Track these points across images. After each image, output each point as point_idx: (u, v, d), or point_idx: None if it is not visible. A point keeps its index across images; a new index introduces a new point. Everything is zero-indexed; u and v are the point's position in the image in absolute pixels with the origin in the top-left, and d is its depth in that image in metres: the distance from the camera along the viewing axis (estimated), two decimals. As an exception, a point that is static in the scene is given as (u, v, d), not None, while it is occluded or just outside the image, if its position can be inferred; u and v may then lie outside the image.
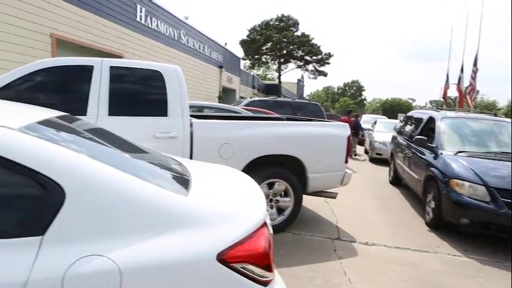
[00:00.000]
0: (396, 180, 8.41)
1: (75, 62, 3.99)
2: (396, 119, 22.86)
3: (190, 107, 4.26)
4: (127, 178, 1.47)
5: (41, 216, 1.31)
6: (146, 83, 4.10)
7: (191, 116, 4.26)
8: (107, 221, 1.37)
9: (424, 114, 7.60)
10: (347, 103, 79.81)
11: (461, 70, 18.32)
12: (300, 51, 42.39)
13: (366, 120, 20.13)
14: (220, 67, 23.41)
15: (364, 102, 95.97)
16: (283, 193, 4.56)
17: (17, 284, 1.21)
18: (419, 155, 6.32)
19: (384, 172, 9.98)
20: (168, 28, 16.28)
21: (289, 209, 4.59)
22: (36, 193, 1.34)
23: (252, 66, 46.30)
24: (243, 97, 23.42)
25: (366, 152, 14.67)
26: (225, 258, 1.41)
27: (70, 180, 1.36)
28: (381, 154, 12.16)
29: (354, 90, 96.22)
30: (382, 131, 13.49)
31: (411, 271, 3.86)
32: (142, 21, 14.11)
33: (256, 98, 14.31)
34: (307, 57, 42.96)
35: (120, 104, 3.88)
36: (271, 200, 4.51)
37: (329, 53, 42.81)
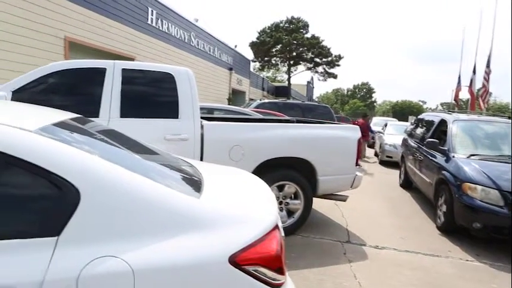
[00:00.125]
0: (407, 183, 8.34)
1: (88, 64, 4.04)
2: (407, 121, 22.68)
3: (201, 109, 4.28)
4: (140, 180, 1.49)
5: (57, 217, 1.33)
6: (158, 85, 4.14)
7: (202, 118, 4.29)
8: (121, 222, 1.38)
9: (436, 117, 7.52)
10: (357, 105, 79.43)
11: (474, 72, 18.08)
12: (310, 53, 42.33)
13: (376, 123, 20.02)
14: (230, 69, 23.49)
15: (374, 104, 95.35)
16: (293, 195, 4.56)
17: (33, 284, 1.24)
18: (431, 158, 6.26)
19: (394, 175, 9.90)
20: (179, 30, 16.39)
21: (299, 211, 4.58)
22: (52, 194, 1.36)
23: (261, 68, 46.35)
24: (252, 99, 23.45)
25: (376, 154, 14.57)
26: (237, 261, 1.42)
27: (85, 182, 1.38)
28: (391, 157, 12.07)
29: (364, 92, 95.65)
30: (392, 133, 13.39)
31: (422, 275, 3.82)
32: (154, 24, 14.23)
33: (266, 100, 14.30)
34: (317, 59, 42.88)
35: (131, 106, 3.92)
36: (281, 203, 4.51)
37: (339, 55, 42.70)
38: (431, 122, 7.63)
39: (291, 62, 43.29)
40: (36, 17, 8.82)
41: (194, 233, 1.44)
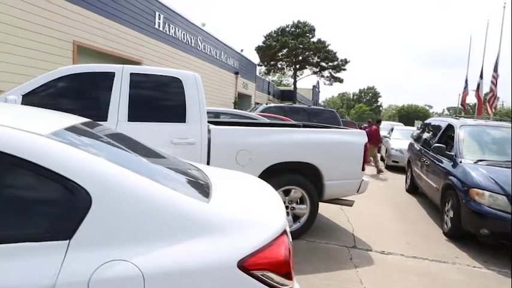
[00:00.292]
0: (413, 188, 8.30)
1: (97, 68, 4.08)
2: (413, 125, 22.58)
3: (207, 113, 4.31)
4: (150, 184, 1.51)
5: (69, 220, 1.35)
6: (165, 90, 4.17)
7: (208, 122, 4.31)
8: (131, 226, 1.40)
9: (443, 122, 7.49)
10: (362, 109, 79.23)
11: (481, 76, 17.98)
12: (316, 58, 42.32)
13: (382, 127, 19.93)
14: (236, 73, 23.57)
15: (380, 108, 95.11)
16: (299, 200, 4.56)
17: (45, 287, 1.25)
18: (438, 163, 6.23)
19: (401, 180, 9.86)
20: (186, 35, 16.50)
21: (305, 216, 4.57)
22: (64, 198, 1.38)
23: (267, 72, 46.43)
24: (258, 103, 23.50)
25: (382, 159, 14.51)
26: (246, 266, 1.42)
27: (96, 186, 1.39)
28: (397, 162, 12.03)
29: (370, 96, 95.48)
30: (398, 138, 13.35)
31: (428, 281, 3.80)
32: (161, 28, 14.34)
33: (272, 104, 14.33)
34: (323, 64, 42.85)
35: (139, 110, 3.96)
36: (287, 207, 4.50)
37: (345, 59, 42.65)
38: (438, 127, 7.60)
39: (297, 66, 43.30)
40: (45, 21, 8.94)
41: (203, 238, 1.45)
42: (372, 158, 11.53)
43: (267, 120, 7.91)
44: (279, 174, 4.37)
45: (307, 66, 43.76)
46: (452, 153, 5.85)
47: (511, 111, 45.17)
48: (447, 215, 5.39)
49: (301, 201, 4.56)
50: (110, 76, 3.97)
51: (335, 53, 42.09)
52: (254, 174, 3.31)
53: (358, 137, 4.85)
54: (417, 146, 8.32)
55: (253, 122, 6.50)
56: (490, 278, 4.03)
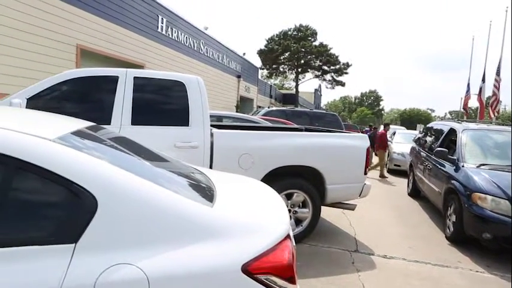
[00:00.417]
0: (415, 192, 8.29)
1: (101, 72, 4.11)
2: (415, 129, 22.54)
3: (210, 116, 4.32)
4: (155, 188, 1.52)
5: (75, 224, 1.37)
6: (169, 94, 4.20)
7: (211, 125, 4.33)
8: (136, 230, 1.41)
9: (445, 126, 7.50)
10: (364, 113, 79.21)
11: (483, 80, 17.96)
12: (318, 61, 42.44)
13: (384, 131, 19.89)
14: (238, 76, 23.63)
15: (382, 112, 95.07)
16: (301, 204, 4.57)
17: None
18: (440, 167, 6.23)
19: (403, 184, 9.86)
20: (188, 38, 16.56)
21: (307, 220, 4.58)
22: (70, 202, 1.40)
23: (269, 76, 46.51)
24: (260, 106, 23.56)
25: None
26: (250, 270, 1.44)
27: (102, 190, 1.41)
28: (399, 165, 12.01)
29: (372, 100, 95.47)
30: (400, 142, 13.34)
31: (430, 286, 3.80)
32: (163, 32, 14.41)
33: (274, 108, 14.35)
34: (325, 67, 42.96)
35: (143, 114, 3.98)
36: (289, 211, 4.51)
37: (347, 63, 42.74)
38: (440, 131, 7.60)
39: (299, 70, 43.41)
40: (49, 25, 9.00)
41: (207, 242, 1.46)
42: (372, 162, 11.56)
43: (270, 124, 7.92)
44: (281, 178, 4.37)
45: (309, 70, 43.88)
46: (455, 158, 5.85)
47: (511, 115, 45.07)
48: (449, 219, 5.39)
49: (304, 205, 4.57)
50: (114, 80, 4.00)
51: (337, 57, 42.21)
52: (257, 178, 3.32)
53: (360, 141, 4.86)
54: (419, 150, 8.32)
55: (255, 126, 6.51)
56: (492, 283, 4.02)
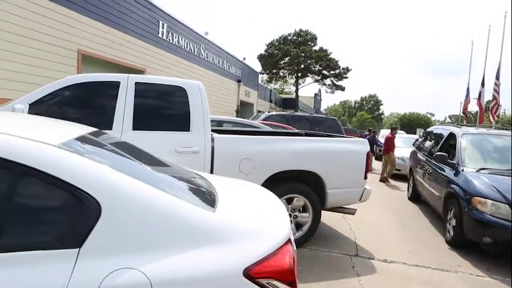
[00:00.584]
0: (415, 197, 8.30)
1: (103, 78, 4.14)
2: (415, 133, 22.55)
3: (211, 121, 4.35)
4: (157, 193, 1.54)
5: (79, 229, 1.39)
6: (170, 99, 4.22)
7: (212, 130, 4.35)
8: (139, 235, 1.43)
9: (445, 130, 7.53)
10: (364, 117, 79.28)
11: (482, 84, 18.01)
12: (318, 66, 42.59)
13: (384, 135, 19.93)
14: (239, 81, 23.70)
15: (382, 116, 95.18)
16: (301, 208, 4.58)
17: None
18: (440, 171, 6.25)
19: (403, 188, 9.87)
20: (189, 43, 16.64)
21: (308, 224, 4.59)
22: (74, 207, 1.42)
23: (269, 81, 46.65)
24: (260, 111, 23.60)
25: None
26: (251, 274, 1.45)
27: (106, 195, 1.43)
28: (399, 170, 12.02)
29: (372, 104, 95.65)
30: (400, 146, 13.35)
31: (432, 290, 3.81)
32: (164, 37, 14.48)
33: (274, 113, 14.39)
34: (325, 72, 43.09)
35: (144, 119, 4.01)
36: (289, 215, 4.52)
37: (347, 68, 42.88)
38: (440, 135, 7.63)
39: (299, 74, 43.54)
40: (50, 30, 9.06)
41: (210, 246, 1.48)
42: (373, 168, 11.56)
43: (270, 129, 7.95)
44: (281, 183, 4.39)
45: (309, 75, 44.02)
46: (454, 162, 5.87)
47: (511, 119, 45.11)
48: (449, 224, 5.40)
49: (304, 209, 4.58)
50: (115, 85, 4.02)
51: (337, 61, 42.36)
52: (257, 183, 3.34)
53: (360, 146, 4.88)
54: (419, 154, 8.34)
55: (256, 131, 6.54)
56: (493, 287, 4.02)
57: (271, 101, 34.76)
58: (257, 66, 37.22)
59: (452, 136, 6.82)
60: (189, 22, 16.67)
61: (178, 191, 1.76)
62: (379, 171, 13.93)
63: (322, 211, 4.74)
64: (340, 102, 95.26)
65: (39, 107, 3.79)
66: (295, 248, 1.80)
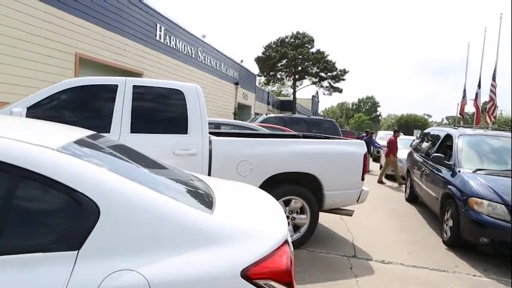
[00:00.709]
0: (412, 198, 8.33)
1: (101, 81, 4.16)
2: (412, 135, 22.61)
3: (208, 124, 4.37)
4: (156, 196, 1.56)
5: (78, 231, 1.40)
6: (168, 102, 4.24)
7: (210, 133, 4.37)
8: (137, 237, 1.45)
9: (441, 131, 7.57)
10: (362, 119, 79.43)
11: (479, 86, 18.12)
12: (315, 68, 42.66)
13: (381, 137, 19.99)
14: (236, 84, 23.74)
15: (379, 118, 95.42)
16: (299, 210, 4.60)
17: None
18: (437, 172, 6.28)
19: (400, 189, 9.90)
20: (186, 46, 16.67)
21: (305, 226, 4.61)
22: (73, 210, 1.43)
23: (267, 83, 46.70)
24: (258, 113, 23.63)
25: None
26: (249, 275, 1.47)
27: (104, 198, 1.45)
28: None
29: (369, 106, 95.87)
30: (397, 147, 13.36)
31: (429, 291, 3.83)
32: (162, 40, 14.51)
33: (272, 115, 14.42)
34: (322, 74, 43.16)
35: (142, 122, 4.02)
36: (287, 217, 4.54)
37: (344, 70, 42.97)
38: (436, 137, 7.67)
39: (296, 77, 43.60)
40: (48, 33, 9.07)
41: (208, 248, 1.49)
42: (371, 169, 11.56)
43: (267, 131, 7.97)
44: (279, 185, 4.41)
45: (306, 77, 44.08)
46: (451, 163, 5.90)
47: (511, 120, 45.27)
48: (447, 224, 5.43)
49: (302, 211, 4.60)
50: (113, 88, 4.04)
51: (334, 63, 42.45)
52: (255, 185, 3.36)
53: (357, 147, 4.91)
54: (416, 156, 8.37)
55: (253, 133, 6.56)
56: (489, 287, 4.05)
57: (268, 103, 34.81)
58: (255, 69, 37.29)
59: (449, 137, 6.85)
60: (186, 25, 16.74)
61: (176, 193, 1.77)
62: (377, 172, 13.96)
63: (320, 213, 4.76)
64: (338, 104, 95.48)
65: (37, 111, 3.80)
66: (292, 249, 1.82)
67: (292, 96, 44.39)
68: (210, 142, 4.18)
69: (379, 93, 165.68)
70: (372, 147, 15.19)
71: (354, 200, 4.88)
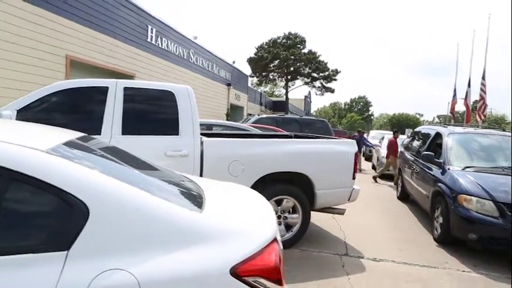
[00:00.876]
0: (404, 196, 8.41)
1: (91, 83, 4.16)
2: (403, 134, 22.77)
3: (200, 125, 4.38)
4: (145, 196, 1.58)
5: (67, 232, 1.41)
6: (159, 103, 4.25)
7: (201, 134, 4.38)
8: (127, 237, 1.46)
9: (431, 130, 7.66)
10: (354, 119, 79.85)
11: (469, 85, 18.31)
12: (307, 68, 42.83)
13: (373, 136, 20.15)
14: (228, 85, 23.73)
15: (372, 117, 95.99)
16: (291, 210, 4.63)
17: None
18: (427, 170, 6.36)
19: (392, 188, 9.99)
20: (178, 48, 16.64)
21: (297, 225, 4.64)
22: (62, 211, 1.44)
23: (259, 83, 46.77)
24: (250, 114, 23.66)
25: (374, 167, 14.65)
26: (238, 272, 1.49)
27: (93, 199, 1.46)
28: (388, 170, 12.15)
29: (361, 105, 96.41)
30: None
31: (419, 287, 3.87)
32: (153, 42, 14.46)
33: (264, 115, 14.48)
34: (314, 74, 43.34)
35: (133, 124, 4.03)
36: (279, 217, 4.57)
37: (336, 70, 43.18)
38: (427, 135, 7.76)
39: (289, 77, 43.73)
40: (38, 35, 9.00)
41: (197, 246, 1.51)
42: (364, 169, 11.64)
43: (259, 131, 8.00)
44: (271, 184, 4.44)
45: (298, 77, 44.22)
46: (441, 161, 5.98)
47: (511, 121, 45.75)
48: (437, 221, 5.50)
49: (294, 210, 4.63)
50: (104, 90, 4.04)
51: (326, 64, 42.65)
52: (247, 185, 3.38)
53: (348, 147, 4.95)
54: (407, 154, 8.46)
55: (245, 134, 6.58)
56: (479, 282, 4.11)
57: (261, 104, 34.85)
58: (247, 70, 37.37)
59: (438, 136, 6.94)
60: (178, 27, 16.71)
61: (166, 194, 1.79)
62: (369, 171, 14.08)
63: (312, 212, 4.79)
64: (330, 104, 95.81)
65: (27, 113, 3.79)
66: (281, 247, 1.85)
67: (284, 96, 44.49)
68: (202, 143, 4.19)
69: (371, 93, 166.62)
70: (365, 146, 15.33)
71: (345, 198, 4.92)
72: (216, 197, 2.06)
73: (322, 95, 46.60)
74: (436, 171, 5.95)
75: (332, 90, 45.01)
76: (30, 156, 1.48)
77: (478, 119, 16.33)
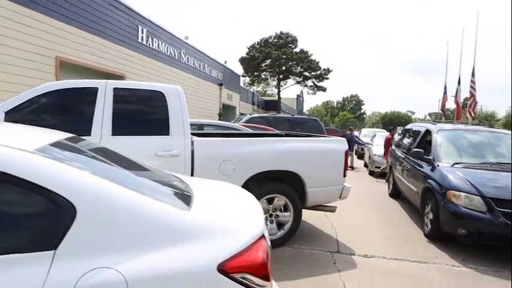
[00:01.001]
0: (395, 193, 8.48)
1: (81, 84, 4.14)
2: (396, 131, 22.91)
3: (191, 125, 4.39)
4: (133, 195, 1.59)
5: (54, 231, 1.42)
6: (149, 103, 4.25)
7: (192, 134, 4.39)
8: (115, 235, 1.47)
9: (421, 127, 7.73)
10: (346, 117, 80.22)
11: (459, 82, 18.54)
12: (299, 68, 42.96)
13: (365, 134, 20.27)
14: (220, 84, 23.72)
15: (364, 116, 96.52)
16: (282, 208, 4.65)
17: None
18: (417, 167, 6.42)
19: (383, 185, 10.06)
20: (169, 48, 16.59)
21: (289, 223, 4.67)
22: (50, 210, 1.45)
23: (251, 83, 46.80)
24: (243, 114, 23.66)
25: (366, 165, 14.75)
26: (225, 269, 1.51)
27: (80, 198, 1.47)
28: (379, 167, 12.25)
29: (353, 104, 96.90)
30: (381, 144, 13.59)
31: (410, 282, 3.93)
32: (144, 42, 14.41)
33: (256, 115, 14.50)
34: (306, 73, 43.48)
35: (123, 124, 4.02)
36: (271, 215, 4.60)
37: (328, 69, 43.36)
38: (417, 132, 7.83)
39: (281, 76, 43.82)
40: (27, 37, 8.92)
41: (184, 244, 1.53)
42: (356, 167, 11.71)
43: (250, 131, 8.02)
44: (262, 183, 4.46)
45: (290, 76, 44.34)
46: (431, 158, 6.05)
47: (511, 120, 46.21)
48: (427, 217, 5.56)
49: (285, 208, 4.65)
50: (93, 91, 4.03)
51: (317, 63, 42.82)
52: (238, 184, 3.40)
53: (338, 145, 4.99)
54: (398, 152, 8.53)
55: (236, 133, 6.59)
56: (468, 276, 4.18)
57: (253, 104, 34.88)
58: (239, 69, 37.38)
59: (428, 133, 7.01)
60: (169, 27, 16.67)
61: (154, 193, 1.80)
62: (362, 169, 14.19)
63: (304, 210, 4.82)
64: (323, 102, 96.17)
65: (15, 115, 3.77)
66: (269, 244, 1.87)
67: (277, 96, 44.56)
68: (192, 143, 4.20)
69: (363, 91, 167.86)
70: (357, 144, 15.44)
71: (336, 196, 4.96)
72: (204, 196, 2.07)
73: (315, 94, 46.80)
74: (426, 168, 6.01)
75: (324, 89, 45.20)
76: (16, 156, 1.49)
77: (469, 116, 16.52)
